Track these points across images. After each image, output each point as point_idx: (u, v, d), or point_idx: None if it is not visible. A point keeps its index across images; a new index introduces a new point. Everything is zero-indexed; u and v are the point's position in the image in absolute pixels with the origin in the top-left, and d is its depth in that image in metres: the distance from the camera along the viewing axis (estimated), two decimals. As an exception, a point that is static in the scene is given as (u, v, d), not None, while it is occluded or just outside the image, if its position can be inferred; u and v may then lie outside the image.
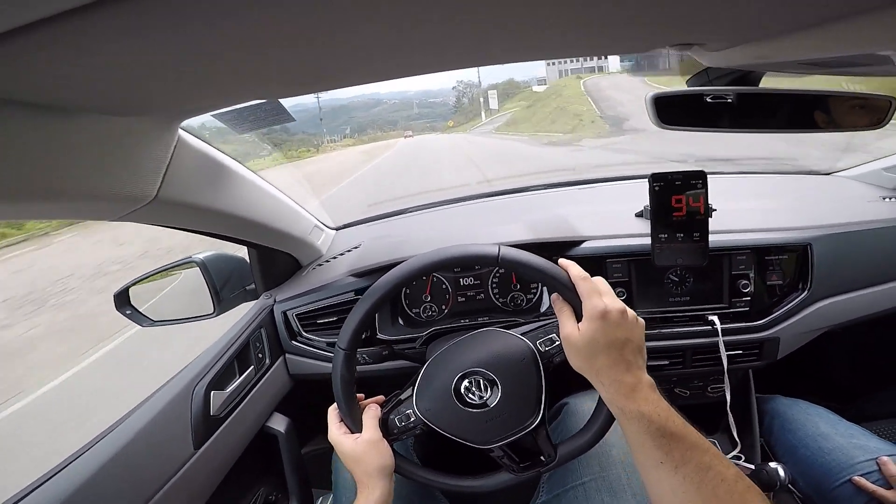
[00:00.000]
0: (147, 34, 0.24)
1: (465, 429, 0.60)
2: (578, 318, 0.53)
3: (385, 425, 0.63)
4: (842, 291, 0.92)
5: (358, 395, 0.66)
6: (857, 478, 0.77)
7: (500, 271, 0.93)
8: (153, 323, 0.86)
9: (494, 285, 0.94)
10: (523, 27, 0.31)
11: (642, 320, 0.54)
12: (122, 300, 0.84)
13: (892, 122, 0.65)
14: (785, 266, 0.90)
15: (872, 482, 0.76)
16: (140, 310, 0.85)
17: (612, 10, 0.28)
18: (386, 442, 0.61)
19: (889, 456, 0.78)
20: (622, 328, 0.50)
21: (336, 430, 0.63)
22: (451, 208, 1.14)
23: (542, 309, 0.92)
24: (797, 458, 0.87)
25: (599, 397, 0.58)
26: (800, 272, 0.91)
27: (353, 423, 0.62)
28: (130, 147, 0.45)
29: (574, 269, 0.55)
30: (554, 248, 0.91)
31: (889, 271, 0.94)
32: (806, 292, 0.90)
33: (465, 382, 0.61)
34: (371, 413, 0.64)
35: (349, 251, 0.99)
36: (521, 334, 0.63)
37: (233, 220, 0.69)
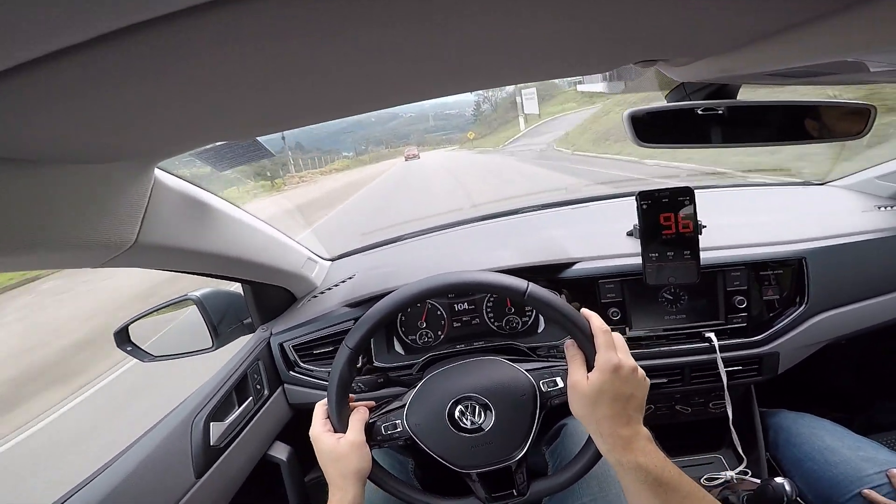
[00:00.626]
0: (118, 82, 0.23)
1: (450, 450, 0.61)
2: (589, 368, 0.54)
3: (370, 430, 0.63)
4: (841, 304, 0.91)
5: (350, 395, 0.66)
6: (867, 490, 0.76)
7: (494, 295, 0.94)
8: (154, 358, 0.88)
9: (489, 309, 0.94)
10: (487, 54, 0.31)
11: (648, 380, 0.55)
12: (122, 338, 0.85)
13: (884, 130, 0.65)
14: (781, 281, 0.90)
15: (883, 495, 0.75)
16: (141, 346, 0.87)
17: (573, 31, 0.29)
18: (367, 447, 0.61)
19: None
20: (630, 384, 0.52)
21: (320, 427, 0.62)
22: (444, 234, 1.15)
23: (539, 330, 0.93)
24: (804, 472, 0.86)
25: (587, 440, 0.59)
26: (796, 286, 0.90)
27: (339, 423, 0.61)
28: (106, 194, 0.45)
29: (596, 321, 0.56)
30: (546, 272, 0.91)
31: (888, 282, 0.93)
32: (804, 306, 0.89)
33: (461, 406, 0.62)
34: (359, 416, 0.63)
35: (343, 282, 1.00)
36: (527, 370, 0.63)
37: (219, 259, 0.69)
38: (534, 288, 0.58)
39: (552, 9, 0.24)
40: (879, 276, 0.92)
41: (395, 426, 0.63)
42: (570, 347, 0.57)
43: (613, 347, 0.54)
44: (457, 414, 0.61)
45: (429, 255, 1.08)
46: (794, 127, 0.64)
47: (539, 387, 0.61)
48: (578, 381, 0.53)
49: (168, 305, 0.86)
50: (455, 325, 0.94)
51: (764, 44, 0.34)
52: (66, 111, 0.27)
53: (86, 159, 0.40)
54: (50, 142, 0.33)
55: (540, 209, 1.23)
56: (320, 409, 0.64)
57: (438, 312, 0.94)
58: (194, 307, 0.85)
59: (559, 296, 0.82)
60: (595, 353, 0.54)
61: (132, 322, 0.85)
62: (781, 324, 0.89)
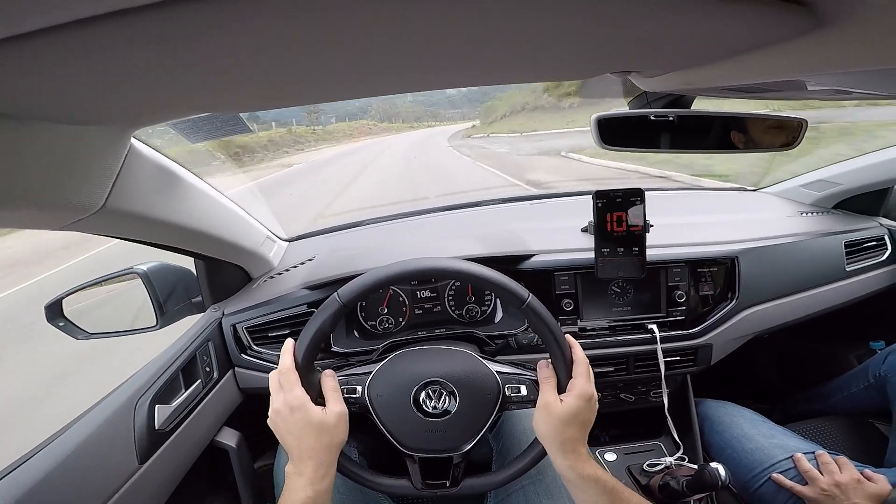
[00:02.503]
0: (104, 51, 0.24)
1: (403, 429, 0.61)
2: (560, 390, 0.58)
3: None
4: (765, 300, 1.00)
5: None
6: (775, 475, 0.84)
7: (457, 284, 0.95)
8: (89, 335, 0.82)
9: (451, 297, 0.96)
10: (471, 52, 0.32)
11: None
12: (55, 312, 0.79)
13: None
14: (715, 277, 0.98)
15: (790, 479, 0.83)
16: (75, 322, 0.81)
17: (561, 41, 0.31)
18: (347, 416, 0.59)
19: (805, 453, 0.85)
20: (593, 411, 0.58)
21: (301, 394, 0.56)
22: (407, 221, 1.16)
23: (496, 321, 0.96)
24: (725, 459, 0.93)
25: (531, 445, 0.62)
26: (728, 283, 0.98)
27: (314, 391, 0.58)
28: (80, 156, 0.44)
29: (578, 351, 0.60)
30: (506, 262, 0.94)
31: (805, 281, 1.04)
32: (734, 301, 0.97)
33: (429, 389, 0.62)
34: (333, 384, 0.60)
35: (303, 264, 0.98)
36: (497, 371, 0.64)
37: (182, 230, 0.68)
38: (534, 300, 0.60)
39: (547, 18, 0.26)
40: (798, 276, 1.03)
41: (354, 391, 0.62)
42: (544, 368, 0.60)
43: (590, 378, 0.59)
44: (422, 396, 0.62)
45: (394, 240, 1.08)
46: (736, 136, 0.70)
47: (504, 389, 0.62)
48: (552, 402, 0.57)
49: (110, 278, 0.81)
50: (416, 311, 0.95)
51: (725, 62, 0.38)
52: (52, 75, 0.27)
53: (64, 119, 0.39)
54: (34, 100, 0.32)
55: (501, 203, 1.27)
56: (291, 376, 0.57)
57: (400, 299, 0.95)
58: (139, 281, 0.81)
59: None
60: (568, 377, 0.58)
61: (67, 295, 0.79)
62: (714, 317, 0.97)
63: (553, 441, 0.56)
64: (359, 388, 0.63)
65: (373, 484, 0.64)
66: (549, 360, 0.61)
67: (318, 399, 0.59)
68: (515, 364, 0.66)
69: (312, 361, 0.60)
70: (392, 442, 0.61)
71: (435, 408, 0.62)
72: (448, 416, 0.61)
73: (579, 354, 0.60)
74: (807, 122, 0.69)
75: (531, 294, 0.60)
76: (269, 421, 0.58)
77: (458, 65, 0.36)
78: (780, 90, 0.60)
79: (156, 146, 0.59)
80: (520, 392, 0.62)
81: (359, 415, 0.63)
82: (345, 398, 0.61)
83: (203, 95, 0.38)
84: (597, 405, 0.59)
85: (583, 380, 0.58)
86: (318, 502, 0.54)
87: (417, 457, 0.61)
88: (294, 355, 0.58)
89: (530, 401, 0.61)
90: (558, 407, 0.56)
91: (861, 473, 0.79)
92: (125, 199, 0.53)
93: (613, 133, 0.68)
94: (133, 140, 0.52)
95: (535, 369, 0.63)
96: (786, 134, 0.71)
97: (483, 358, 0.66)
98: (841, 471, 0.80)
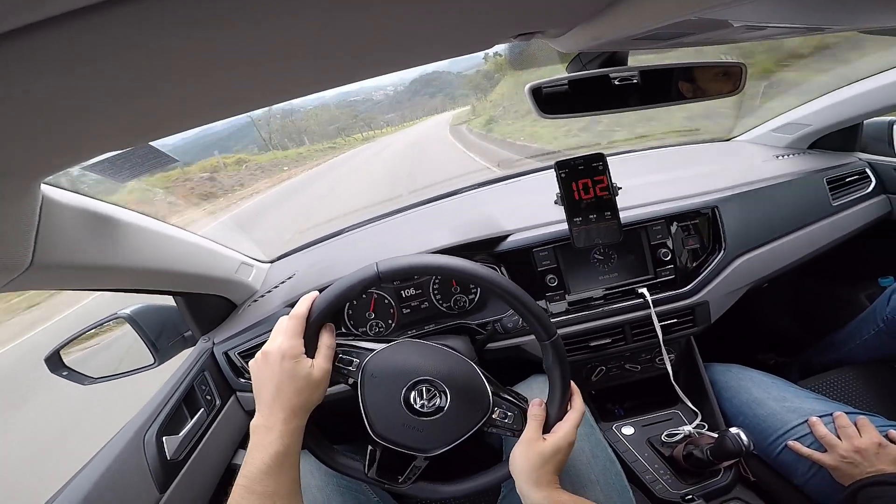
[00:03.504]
0: None
1: (382, 415, 0.60)
2: (546, 429, 0.61)
3: None
4: (755, 247, 0.98)
5: None
6: (792, 443, 0.79)
7: (439, 278, 0.95)
8: (94, 380, 0.85)
9: (436, 291, 0.96)
10: (364, 43, 0.31)
11: None
12: (55, 363, 0.82)
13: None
14: (700, 230, 0.96)
15: (808, 445, 0.78)
16: (77, 369, 0.84)
17: (445, 13, 0.30)
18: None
19: (821, 416, 0.79)
20: (569, 454, 0.60)
21: (298, 345, 0.55)
22: (383, 223, 1.17)
23: (484, 309, 0.95)
24: (738, 426, 0.88)
25: (496, 467, 0.63)
26: (713, 235, 0.97)
27: (310, 345, 0.58)
28: None
29: (578, 401, 0.63)
30: (483, 247, 0.94)
31: (793, 222, 1.01)
32: (722, 252, 0.95)
33: (425, 385, 0.62)
34: (329, 342, 0.59)
35: (283, 283, 0.99)
36: (493, 392, 0.64)
37: (134, 272, 0.66)
38: (558, 340, 0.61)
39: None
40: (783, 218, 1.01)
41: (350, 363, 0.61)
42: (536, 407, 0.62)
43: (577, 426, 0.61)
44: (414, 392, 0.61)
45: (368, 245, 1.08)
46: (677, 88, 0.70)
47: (493, 410, 0.63)
48: (535, 440, 0.58)
49: (99, 325, 0.83)
50: (405, 311, 0.95)
51: (618, 9, 0.38)
52: None
53: None
54: None
55: (474, 188, 1.27)
56: (295, 325, 0.57)
57: (386, 301, 0.95)
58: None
59: (498, 271, 0.85)
60: (557, 421, 0.61)
61: (62, 346, 0.81)
62: (705, 272, 0.95)
63: (528, 475, 0.57)
64: (355, 361, 0.62)
65: (325, 457, 0.63)
66: (543, 401, 0.62)
67: (311, 356, 0.58)
68: (510, 391, 0.66)
69: (325, 321, 0.60)
70: (365, 424, 0.60)
71: (423, 406, 0.61)
72: (431, 418, 0.61)
73: (577, 403, 0.62)
74: (745, 65, 0.68)
75: (557, 332, 0.61)
76: (251, 363, 0.57)
77: (359, 57, 0.36)
78: (693, 33, 0.59)
79: (81, 189, 0.56)
80: (506, 419, 0.63)
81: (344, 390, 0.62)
82: (338, 367, 0.61)
83: (104, 131, 0.36)
84: (571, 451, 0.60)
85: (570, 426, 0.60)
86: (289, 456, 0.52)
87: (383, 446, 0.60)
88: (311, 307, 0.58)
89: (511, 429, 0.62)
90: (541, 444, 0.58)
91: (886, 435, 0.74)
92: (55, 253, 0.50)
93: (551, 101, 0.67)
94: (46, 188, 0.49)
95: (527, 402, 0.64)
96: (730, 80, 0.70)
97: (483, 374, 0.65)
98: (861, 434, 0.75)
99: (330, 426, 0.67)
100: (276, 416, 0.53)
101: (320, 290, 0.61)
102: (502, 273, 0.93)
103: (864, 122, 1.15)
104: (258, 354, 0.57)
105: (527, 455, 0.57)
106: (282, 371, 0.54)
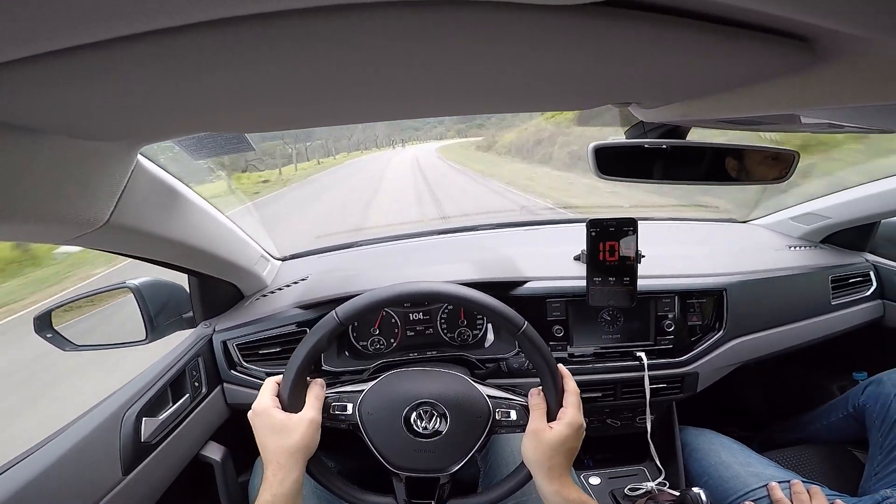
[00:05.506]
0: (118, 72, 0.25)
1: (392, 447, 0.62)
2: (550, 418, 0.60)
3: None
4: (752, 331, 1.02)
5: None
6: (749, 503, 0.85)
7: (449, 307, 0.96)
8: (77, 348, 0.82)
9: (443, 321, 0.96)
10: (499, 80, 0.33)
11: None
12: (43, 323, 0.79)
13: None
14: (704, 308, 0.99)
15: None
16: (63, 334, 0.81)
17: (567, 77, 0.32)
18: (320, 426, 0.60)
19: (780, 482, 0.85)
20: (580, 439, 0.60)
21: (269, 401, 0.59)
22: (402, 244, 1.16)
23: (487, 345, 0.96)
24: (702, 486, 0.92)
25: (517, 468, 0.63)
26: (716, 314, 1.00)
27: (292, 401, 0.60)
28: (88, 171, 0.45)
29: (570, 382, 0.62)
30: (500, 288, 0.95)
31: (790, 314, 1.06)
32: (721, 332, 0.99)
33: (421, 409, 0.63)
34: (316, 392, 0.61)
35: (296, 283, 0.98)
36: (488, 395, 0.65)
37: (181, 247, 0.68)
38: (529, 328, 0.61)
39: (556, 58, 0.27)
40: (785, 309, 1.05)
41: (345, 409, 0.63)
42: (535, 396, 0.62)
43: (580, 408, 0.60)
44: (413, 416, 0.62)
45: (389, 262, 1.08)
46: (736, 168, 0.70)
47: (494, 413, 0.63)
48: (541, 429, 0.58)
49: (103, 291, 0.80)
50: (409, 333, 0.95)
51: (723, 95, 0.40)
52: (69, 92, 0.28)
53: (77, 134, 0.40)
54: (46, 114, 0.33)
55: (495, 228, 1.28)
56: (271, 384, 0.61)
57: (393, 320, 0.95)
58: (131, 296, 0.80)
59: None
60: (559, 406, 0.60)
61: (58, 307, 0.79)
62: (702, 347, 0.99)
63: (541, 467, 0.57)
64: (349, 406, 0.63)
65: (357, 500, 0.64)
66: (541, 388, 0.62)
67: (298, 407, 0.60)
68: (506, 389, 0.67)
69: (306, 376, 0.61)
70: (379, 460, 0.61)
71: (425, 428, 0.62)
72: (438, 437, 0.62)
73: (571, 385, 0.62)
74: (799, 154, 0.69)
75: (527, 322, 0.61)
76: (249, 413, 0.61)
77: (479, 95, 0.38)
78: (774, 122, 0.61)
79: (160, 163, 0.60)
80: (509, 417, 0.63)
81: (348, 432, 0.63)
82: (335, 415, 0.62)
83: (209, 115, 0.39)
84: (583, 434, 0.60)
85: (573, 409, 0.59)
86: (289, 497, 0.55)
87: (404, 476, 0.62)
88: (278, 392, 0.61)
89: (519, 426, 0.62)
90: (548, 434, 0.57)
91: (832, 503, 0.80)
92: (129, 215, 0.53)
93: (610, 162, 0.68)
94: (139, 156, 0.53)
95: (525, 395, 0.64)
96: (778, 166, 0.71)
97: (475, 381, 0.66)
98: (812, 500, 0.81)
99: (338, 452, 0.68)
100: (268, 467, 0.57)
101: (337, 301, 0.62)
102: None
103: (881, 221, 1.18)
104: (249, 414, 0.61)
105: (535, 447, 0.58)
106: (260, 426, 0.58)
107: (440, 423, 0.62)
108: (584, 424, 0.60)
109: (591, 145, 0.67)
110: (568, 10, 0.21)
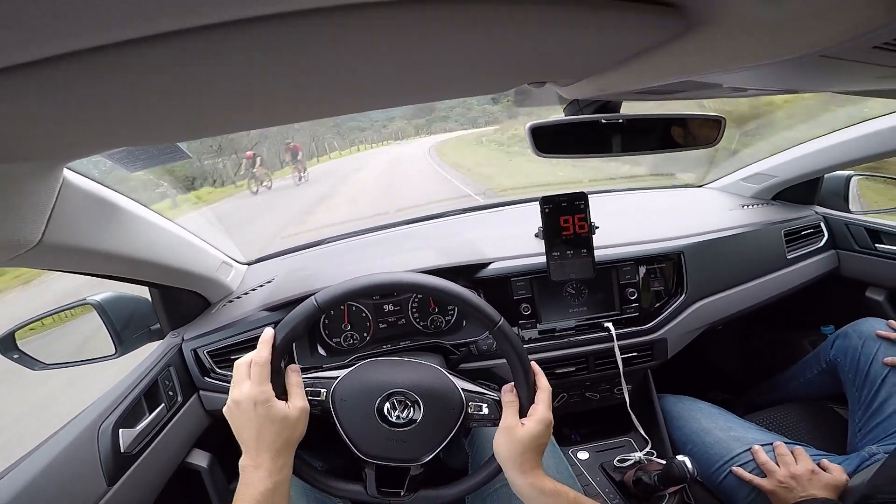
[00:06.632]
0: (31, 93, 0.24)
1: (363, 435, 0.62)
2: (521, 414, 0.61)
3: None
4: (713, 292, 1.05)
5: None
6: (735, 468, 0.85)
7: (419, 296, 0.97)
8: (46, 366, 0.82)
9: (414, 309, 0.97)
10: (405, 68, 0.33)
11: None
12: (8, 345, 0.79)
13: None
14: (665, 273, 1.02)
15: (749, 471, 0.84)
16: (30, 353, 0.81)
17: (479, 56, 0.33)
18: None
19: (763, 445, 0.86)
20: (549, 435, 0.62)
21: (268, 390, 0.56)
22: (367, 237, 1.17)
23: (460, 331, 0.97)
24: (686, 453, 0.92)
25: (487, 461, 0.64)
26: (677, 278, 1.03)
27: (277, 387, 0.59)
28: (10, 193, 0.44)
29: (542, 379, 0.64)
30: (464, 271, 0.97)
31: (749, 272, 1.09)
32: (683, 295, 1.02)
33: (395, 399, 0.63)
34: (297, 380, 0.61)
35: (262, 286, 0.99)
36: (462, 388, 0.66)
37: (128, 261, 0.68)
38: (505, 324, 0.62)
39: (456, 38, 0.28)
40: (743, 267, 1.08)
41: (318, 394, 0.63)
42: (508, 393, 0.63)
43: (550, 405, 0.62)
44: (387, 405, 0.63)
45: (352, 257, 1.09)
46: (663, 137, 0.74)
47: (467, 406, 0.64)
48: (513, 426, 0.60)
49: (64, 309, 0.80)
50: (381, 325, 0.96)
51: (622, 68, 0.42)
52: None
53: None
54: None
55: (458, 213, 1.30)
56: (261, 370, 0.57)
57: (363, 314, 0.96)
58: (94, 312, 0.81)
59: (479, 295, 0.88)
60: (530, 402, 0.62)
61: (19, 328, 0.79)
62: (666, 312, 1.01)
63: (514, 462, 0.59)
64: (323, 392, 0.63)
65: (326, 486, 0.64)
66: (513, 385, 0.64)
67: (281, 395, 0.59)
68: (479, 383, 0.68)
69: (281, 361, 0.61)
70: (350, 447, 0.62)
71: (398, 417, 0.63)
72: (410, 427, 0.62)
73: (543, 382, 0.64)
74: (724, 119, 0.72)
75: (503, 318, 0.63)
76: (225, 410, 0.58)
77: (384, 89, 0.38)
78: (687, 90, 0.64)
79: (94, 176, 0.59)
80: (481, 411, 0.64)
81: (319, 418, 0.63)
82: (308, 400, 0.62)
83: (132, 129, 0.39)
84: (551, 429, 0.62)
85: (544, 406, 0.61)
86: (278, 493, 0.54)
87: (375, 464, 0.62)
88: (274, 346, 0.59)
89: (490, 420, 0.64)
90: (520, 430, 0.59)
91: (818, 464, 0.81)
92: (63, 233, 0.52)
93: (548, 141, 0.70)
94: (66, 172, 0.52)
95: (499, 390, 0.65)
96: (710, 132, 0.74)
97: (450, 374, 0.67)
98: (797, 462, 0.81)
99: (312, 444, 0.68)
100: (263, 456, 0.55)
101: (302, 300, 0.62)
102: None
103: (825, 175, 1.23)
104: (230, 402, 0.57)
105: (507, 443, 0.59)
106: (257, 416, 0.55)
107: (413, 414, 0.63)
108: (552, 420, 0.62)
109: (528, 125, 0.69)
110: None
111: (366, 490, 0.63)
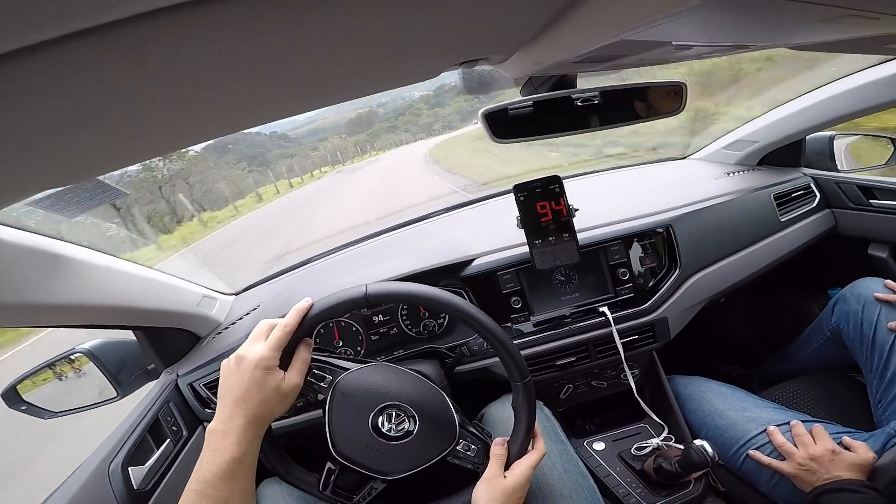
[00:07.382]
0: None
1: (346, 434, 0.60)
2: (507, 466, 0.63)
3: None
4: (709, 264, 1.02)
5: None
6: (752, 452, 0.81)
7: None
8: (55, 414, 0.83)
9: (405, 317, 0.96)
10: (312, 71, 0.32)
11: None
12: (13, 398, 0.80)
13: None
14: (656, 248, 1.00)
15: (767, 454, 0.80)
16: (37, 404, 0.82)
17: (388, 44, 0.32)
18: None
19: (779, 424, 0.82)
20: (527, 489, 0.62)
21: (275, 357, 0.55)
22: (351, 251, 1.17)
23: (452, 333, 0.96)
24: (702, 437, 0.90)
25: (465, 492, 0.64)
26: (669, 252, 1.00)
27: (286, 358, 0.58)
28: None
29: (540, 443, 0.65)
30: (448, 272, 0.96)
31: (743, 238, 1.06)
32: (678, 270, 0.99)
33: (395, 410, 0.62)
34: (305, 356, 0.59)
35: (247, 314, 0.99)
36: (460, 424, 0.65)
37: (88, 309, 0.66)
38: (531, 382, 0.63)
39: (367, 23, 0.27)
40: (735, 234, 1.06)
41: (322, 378, 0.61)
42: (499, 446, 0.64)
43: (536, 466, 0.63)
44: (383, 414, 0.62)
45: (335, 272, 1.09)
46: (627, 109, 0.71)
47: (458, 441, 0.64)
48: (496, 476, 0.60)
49: (57, 360, 0.82)
50: (373, 337, 0.96)
51: (545, 38, 0.41)
52: None
53: None
54: None
55: (440, 214, 1.29)
56: (276, 335, 0.56)
57: (353, 329, 0.95)
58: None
59: (464, 298, 0.87)
60: (517, 456, 0.63)
61: (19, 381, 0.80)
62: (663, 289, 0.98)
63: None
64: (328, 378, 0.62)
65: (280, 468, 0.62)
66: (505, 441, 0.64)
67: (284, 365, 0.58)
68: (476, 425, 0.67)
69: (304, 336, 0.60)
70: (327, 440, 0.60)
71: (389, 429, 0.61)
72: (395, 443, 0.61)
73: (539, 445, 0.64)
74: (685, 84, 0.70)
75: (531, 376, 0.64)
76: (224, 363, 0.57)
77: (306, 88, 0.36)
78: (630, 54, 0.60)
79: (28, 227, 0.56)
80: (468, 451, 0.64)
81: (310, 404, 0.62)
82: (310, 381, 0.60)
83: (42, 166, 0.35)
84: (529, 485, 0.62)
85: (528, 466, 0.62)
86: (244, 462, 0.52)
87: (342, 465, 0.60)
88: (304, 319, 0.58)
89: (472, 462, 0.64)
90: (502, 482, 0.60)
91: (840, 442, 0.76)
92: (4, 292, 0.50)
93: (503, 126, 0.68)
94: None
95: (491, 438, 0.65)
96: (676, 99, 0.72)
97: (454, 408, 0.66)
98: (816, 442, 0.76)
99: (295, 453, 0.67)
100: (235, 421, 0.52)
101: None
102: (469, 297, 0.95)
103: (807, 137, 1.21)
104: (232, 357, 0.56)
105: (490, 492, 0.59)
106: (251, 379, 0.54)
107: (404, 432, 0.62)
108: (532, 477, 0.62)
109: (481, 111, 0.67)
110: None
111: (318, 484, 0.61)
